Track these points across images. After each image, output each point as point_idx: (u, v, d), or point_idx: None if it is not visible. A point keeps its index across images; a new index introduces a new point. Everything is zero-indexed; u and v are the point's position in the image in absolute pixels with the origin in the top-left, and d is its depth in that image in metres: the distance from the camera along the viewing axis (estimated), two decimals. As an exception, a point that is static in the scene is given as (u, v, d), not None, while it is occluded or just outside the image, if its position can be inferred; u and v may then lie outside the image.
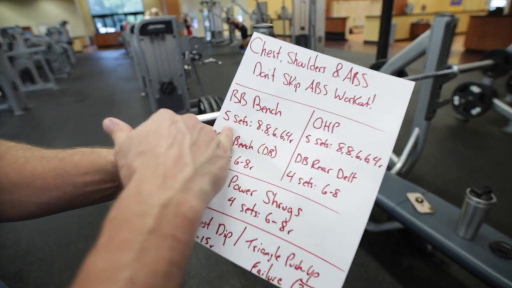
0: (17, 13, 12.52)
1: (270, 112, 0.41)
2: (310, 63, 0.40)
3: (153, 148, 0.26)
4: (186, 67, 4.92)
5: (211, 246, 0.37)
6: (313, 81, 0.39)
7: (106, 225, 0.20)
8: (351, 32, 12.15)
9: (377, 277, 1.51)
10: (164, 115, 0.30)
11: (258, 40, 0.43)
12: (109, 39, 14.21)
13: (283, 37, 7.32)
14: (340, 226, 0.34)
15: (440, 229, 1.24)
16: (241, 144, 0.41)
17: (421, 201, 1.36)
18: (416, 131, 2.03)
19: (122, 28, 13.69)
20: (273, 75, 0.41)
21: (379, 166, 0.34)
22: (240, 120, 0.42)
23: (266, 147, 0.40)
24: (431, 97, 1.88)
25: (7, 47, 5.46)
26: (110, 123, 0.33)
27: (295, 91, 0.40)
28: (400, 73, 2.09)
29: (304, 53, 0.40)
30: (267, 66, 0.42)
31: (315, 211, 0.35)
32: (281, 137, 0.39)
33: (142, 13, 14.60)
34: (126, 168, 0.26)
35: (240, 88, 0.42)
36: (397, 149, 2.26)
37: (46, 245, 1.84)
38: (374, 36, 8.31)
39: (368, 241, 1.72)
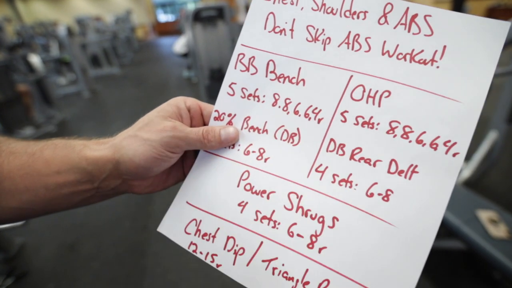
0: (90, 4, 13.81)
1: (290, 81, 0.30)
2: (345, 8, 0.28)
3: None
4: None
5: (218, 266, 0.29)
6: (349, 33, 0.28)
7: None
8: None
9: (429, 300, 1.33)
10: None
11: None
12: (168, 27, 14.94)
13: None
14: (394, 244, 0.24)
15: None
16: (252, 127, 0.31)
17: (496, 223, 1.14)
18: (492, 135, 1.72)
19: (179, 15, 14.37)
20: (291, 30, 0.30)
21: (454, 155, 0.24)
22: (250, 95, 0.31)
23: (285, 130, 0.30)
24: (518, 95, 1.56)
25: (81, 35, 6.07)
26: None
27: (324, 49, 0.29)
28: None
29: None
30: (283, 17, 0.31)
31: (357, 221, 0.26)
32: (306, 115, 0.29)
33: (200, 1, 14.99)
34: None
35: (247, 50, 0.32)
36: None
37: (98, 221, 1.99)
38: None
39: (421, 256, 1.52)
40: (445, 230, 1.39)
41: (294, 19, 0.30)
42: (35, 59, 3.73)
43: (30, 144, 0.29)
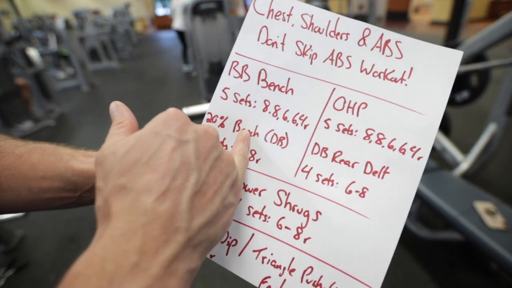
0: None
1: (279, 89, 0.33)
2: (330, 29, 0.32)
3: (139, 191, 0.18)
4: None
5: (211, 256, 0.31)
6: (333, 51, 0.32)
7: None
8: (416, 10, 10.89)
9: (426, 290, 1.35)
10: (172, 126, 0.21)
11: None
12: (167, 21, 14.84)
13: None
14: (369, 234, 0.28)
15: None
16: (243, 130, 0.34)
17: (493, 214, 1.14)
18: (491, 127, 1.72)
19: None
20: (282, 43, 0.33)
21: (418, 159, 0.28)
22: (242, 100, 0.34)
23: (275, 134, 0.32)
24: (517, 87, 1.55)
25: (79, 28, 6.02)
26: (115, 108, 0.27)
27: (311, 63, 0.32)
28: (478, 57, 1.76)
29: (322, 16, 0.33)
30: (275, 32, 0.34)
31: (338, 215, 0.29)
32: (294, 121, 0.32)
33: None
34: (103, 201, 0.19)
35: (241, 59, 0.34)
36: (464, 145, 1.96)
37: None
38: (443, 15, 7.29)
39: (419, 248, 1.54)
40: (443, 221, 1.39)
41: (285, 34, 0.33)
42: (33, 53, 3.71)
43: (18, 145, 0.29)
